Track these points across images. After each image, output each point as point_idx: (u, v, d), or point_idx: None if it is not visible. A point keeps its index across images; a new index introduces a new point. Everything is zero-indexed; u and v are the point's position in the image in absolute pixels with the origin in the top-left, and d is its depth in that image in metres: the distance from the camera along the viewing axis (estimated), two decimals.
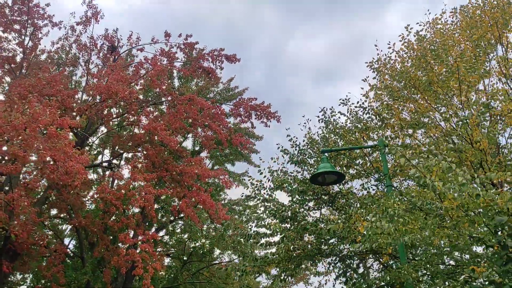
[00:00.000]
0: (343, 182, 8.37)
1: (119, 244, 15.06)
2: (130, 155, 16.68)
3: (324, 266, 8.98)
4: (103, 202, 14.17)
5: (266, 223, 8.00)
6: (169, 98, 16.49)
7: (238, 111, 17.35)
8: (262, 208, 8.41)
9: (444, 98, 6.66)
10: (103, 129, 18.14)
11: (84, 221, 14.26)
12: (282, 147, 9.30)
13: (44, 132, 9.78)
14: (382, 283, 7.47)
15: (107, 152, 17.83)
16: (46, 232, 19.48)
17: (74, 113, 12.25)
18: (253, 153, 20.87)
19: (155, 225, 22.37)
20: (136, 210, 21.25)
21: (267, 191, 8.85)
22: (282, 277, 8.19)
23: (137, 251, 13.57)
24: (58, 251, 13.55)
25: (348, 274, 8.63)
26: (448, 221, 4.97)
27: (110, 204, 13.96)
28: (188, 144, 29.10)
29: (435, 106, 7.03)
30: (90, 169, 16.58)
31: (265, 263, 8.05)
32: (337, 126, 8.87)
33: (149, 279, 12.85)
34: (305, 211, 8.42)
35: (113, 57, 16.76)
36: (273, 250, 8.17)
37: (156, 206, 23.81)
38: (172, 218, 21.67)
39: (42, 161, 9.67)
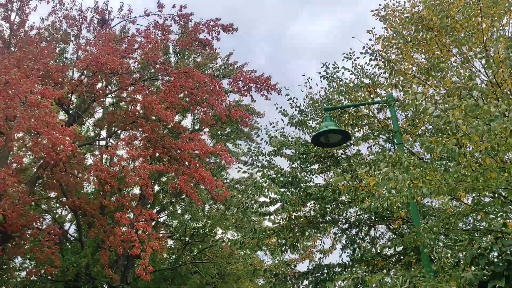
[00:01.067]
0: (348, 143, 7.61)
1: (116, 224, 14.44)
2: (126, 133, 16.00)
3: (330, 236, 8.32)
4: (97, 181, 13.56)
5: (265, 190, 7.24)
6: (164, 72, 15.73)
7: (237, 84, 16.58)
8: (260, 174, 7.64)
9: (464, 37, 5.82)
10: (99, 109, 17.48)
11: (79, 201, 13.64)
12: (281, 107, 8.52)
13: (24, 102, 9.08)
14: (392, 251, 6.80)
15: (103, 133, 17.14)
16: (44, 215, 18.97)
17: (66, 89, 11.51)
18: (255, 130, 20.08)
19: (156, 207, 21.83)
20: (136, 191, 20.75)
21: (265, 157, 8.11)
22: (283, 248, 7.50)
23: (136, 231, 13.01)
24: (52, 232, 12.95)
25: (356, 243, 7.94)
26: (473, 170, 4.24)
27: (104, 182, 13.33)
28: (187, 123, 28.36)
29: (453, 47, 6.23)
30: (82, 148, 15.91)
31: (265, 234, 7.36)
32: (341, 83, 8.06)
33: (147, 259, 12.28)
34: (307, 176, 7.67)
35: (104, 30, 15.96)
36: (271, 223, 7.47)
37: (156, 187, 23.31)
38: (173, 200, 21.11)
39: (24, 132, 8.98)
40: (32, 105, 8.45)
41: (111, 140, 15.84)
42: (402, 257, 7.45)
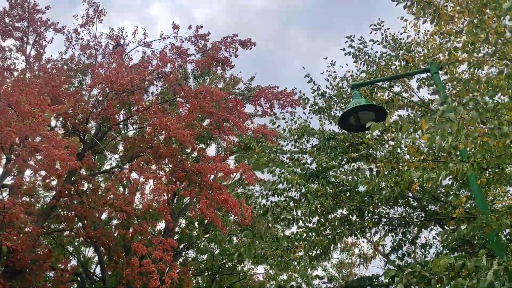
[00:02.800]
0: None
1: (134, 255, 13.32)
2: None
3: (370, 239, 6.88)
4: (112, 209, 12.63)
5: (283, 178, 5.91)
6: (181, 94, 14.99)
7: (258, 101, 15.63)
8: (278, 171, 6.30)
9: None
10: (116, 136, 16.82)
11: (94, 233, 12.66)
12: (300, 92, 7.30)
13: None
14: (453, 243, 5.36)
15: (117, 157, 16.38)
16: (70, 259, 18.13)
17: (68, 103, 10.81)
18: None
19: (185, 243, 20.67)
20: (162, 225, 19.70)
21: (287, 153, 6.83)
22: (311, 255, 6.12)
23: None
24: (65, 267, 11.95)
25: (405, 247, 6.50)
26: None
27: (120, 210, 12.37)
28: (211, 152, 27.53)
29: None
30: (98, 177, 15.13)
31: (291, 244, 6.03)
32: (370, 58, 6.86)
33: None
34: (334, 164, 6.30)
35: (122, 58, 15.50)
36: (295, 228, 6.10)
37: (183, 222, 22.21)
38: (198, 234, 19.90)
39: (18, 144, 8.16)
40: (25, 115, 7.69)
41: (126, 166, 14.98)
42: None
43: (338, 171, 6.21)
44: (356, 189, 6.02)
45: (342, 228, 5.96)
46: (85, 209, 13.10)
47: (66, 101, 12.55)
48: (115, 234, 13.36)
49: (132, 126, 17.82)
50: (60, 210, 13.15)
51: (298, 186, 5.79)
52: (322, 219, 6.06)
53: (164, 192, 11.35)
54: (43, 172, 11.19)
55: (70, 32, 16.03)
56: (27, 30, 15.71)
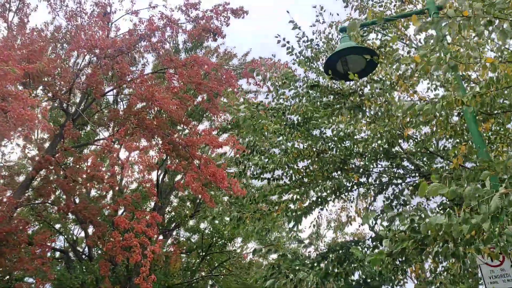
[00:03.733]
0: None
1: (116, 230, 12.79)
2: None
3: (359, 198, 6.24)
4: (92, 181, 12.05)
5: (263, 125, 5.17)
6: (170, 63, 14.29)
7: (250, 74, 14.96)
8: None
9: None
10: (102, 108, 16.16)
11: (75, 206, 12.10)
12: (284, 39, 6.49)
13: None
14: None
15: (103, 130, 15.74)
16: (57, 236, 17.63)
17: (41, 64, 10.11)
18: None
19: (176, 222, 20.18)
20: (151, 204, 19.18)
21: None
22: (294, 200, 5.48)
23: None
24: (44, 241, 11.41)
25: (396, 204, 5.86)
26: None
27: (101, 181, 11.80)
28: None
29: None
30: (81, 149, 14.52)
31: (270, 203, 5.43)
32: (362, 3, 6.16)
33: (148, 266, 10.51)
34: (318, 115, 5.59)
35: (105, 23, 14.75)
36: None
37: (175, 201, 21.70)
38: (187, 212, 19.38)
39: None
40: None
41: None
42: None
43: (322, 122, 5.52)
44: (341, 141, 5.39)
45: (325, 184, 5.35)
46: (67, 182, 12.54)
47: (48, 70, 11.90)
48: (99, 208, 12.79)
49: (121, 100, 17.21)
50: (40, 182, 12.56)
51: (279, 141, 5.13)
52: (303, 175, 5.43)
53: (149, 166, 10.75)
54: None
55: None
56: None
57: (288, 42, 6.31)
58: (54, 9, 15.34)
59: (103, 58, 11.61)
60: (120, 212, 14.89)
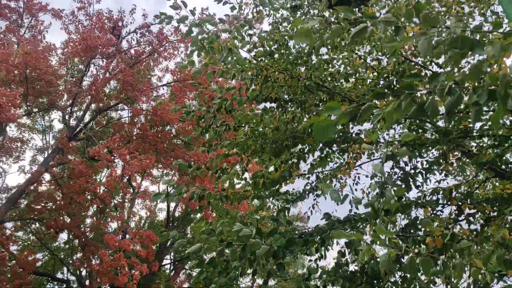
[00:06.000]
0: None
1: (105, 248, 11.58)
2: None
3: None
4: (87, 195, 11.06)
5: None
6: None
7: None
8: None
9: None
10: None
11: (62, 223, 11.06)
12: None
13: None
14: None
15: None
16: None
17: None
18: None
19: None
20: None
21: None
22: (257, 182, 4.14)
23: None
24: (26, 261, 10.33)
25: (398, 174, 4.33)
26: None
27: (93, 195, 10.80)
28: None
29: None
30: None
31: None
32: None
33: None
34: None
35: (115, 37, 14.28)
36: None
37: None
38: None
39: None
40: None
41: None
42: None
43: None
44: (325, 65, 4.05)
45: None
46: (65, 200, 11.57)
47: (45, 77, 11.30)
48: (89, 225, 11.70)
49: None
50: (32, 197, 11.64)
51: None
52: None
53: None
54: None
55: (68, 15, 14.99)
56: (22, 12, 14.79)
57: None
58: (66, 26, 15.04)
59: (100, 58, 10.91)
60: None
